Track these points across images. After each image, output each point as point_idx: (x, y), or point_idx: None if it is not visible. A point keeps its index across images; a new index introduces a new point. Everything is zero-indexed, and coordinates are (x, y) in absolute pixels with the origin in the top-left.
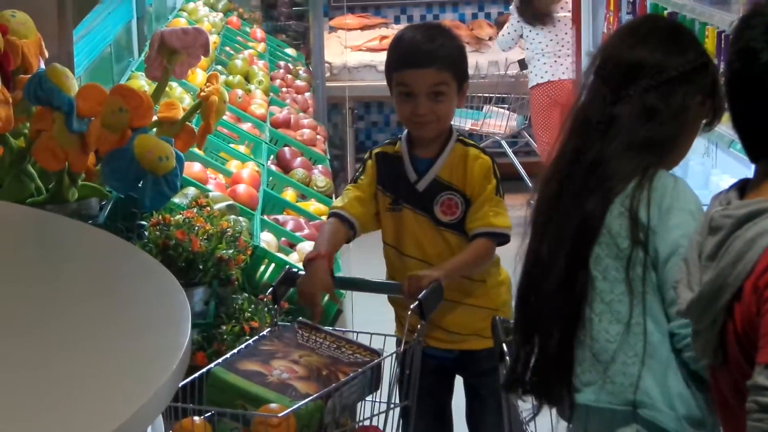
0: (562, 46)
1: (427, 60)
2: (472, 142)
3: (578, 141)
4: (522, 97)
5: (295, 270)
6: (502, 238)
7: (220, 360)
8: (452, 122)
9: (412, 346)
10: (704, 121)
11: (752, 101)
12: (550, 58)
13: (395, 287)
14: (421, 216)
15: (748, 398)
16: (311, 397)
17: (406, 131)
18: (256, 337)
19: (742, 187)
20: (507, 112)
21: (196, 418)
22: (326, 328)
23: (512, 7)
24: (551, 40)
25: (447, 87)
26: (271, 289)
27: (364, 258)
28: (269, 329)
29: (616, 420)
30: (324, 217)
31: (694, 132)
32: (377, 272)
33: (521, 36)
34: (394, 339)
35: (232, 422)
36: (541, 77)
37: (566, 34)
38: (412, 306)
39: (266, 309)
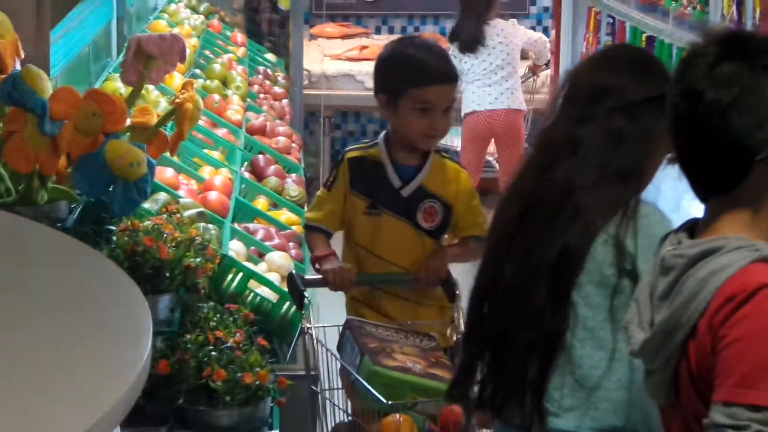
0: (495, 73)
1: (450, 76)
2: (446, 154)
3: (542, 161)
4: None
5: (301, 275)
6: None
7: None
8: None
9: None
10: (669, 155)
11: (698, 142)
12: (478, 87)
13: (411, 278)
14: (403, 222)
15: None
16: None
17: (383, 137)
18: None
19: (691, 228)
20: None
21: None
22: (376, 322)
23: (450, 45)
24: (484, 69)
25: (454, 102)
26: (299, 296)
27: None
28: (346, 329)
29: None
30: (296, 227)
31: (659, 160)
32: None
33: (461, 71)
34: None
35: (418, 413)
36: (468, 107)
37: (502, 60)
38: (446, 292)
39: (231, 318)
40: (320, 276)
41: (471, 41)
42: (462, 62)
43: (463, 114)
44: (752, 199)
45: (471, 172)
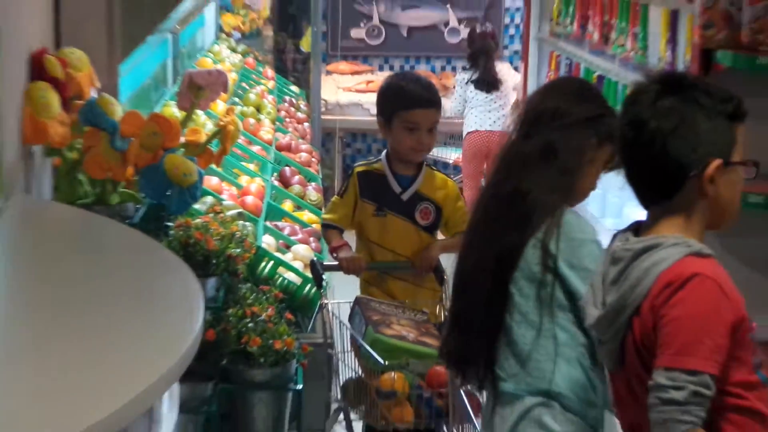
0: (493, 100)
1: (432, 102)
2: (436, 168)
3: (498, 175)
4: None
5: (321, 261)
6: None
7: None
8: (438, 154)
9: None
10: (609, 165)
11: (642, 162)
12: (480, 112)
13: (409, 265)
14: (404, 220)
15: (650, 395)
16: None
17: (385, 154)
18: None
19: (636, 228)
20: None
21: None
22: (380, 300)
23: (458, 76)
24: (485, 97)
25: (437, 124)
26: (319, 279)
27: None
28: (356, 305)
29: (533, 404)
30: (315, 225)
31: (593, 172)
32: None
33: (465, 99)
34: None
35: (410, 372)
36: (470, 127)
37: (500, 92)
38: (436, 277)
39: (264, 296)
40: (337, 262)
41: (492, 82)
42: (468, 92)
43: (465, 133)
44: (686, 206)
45: (472, 184)
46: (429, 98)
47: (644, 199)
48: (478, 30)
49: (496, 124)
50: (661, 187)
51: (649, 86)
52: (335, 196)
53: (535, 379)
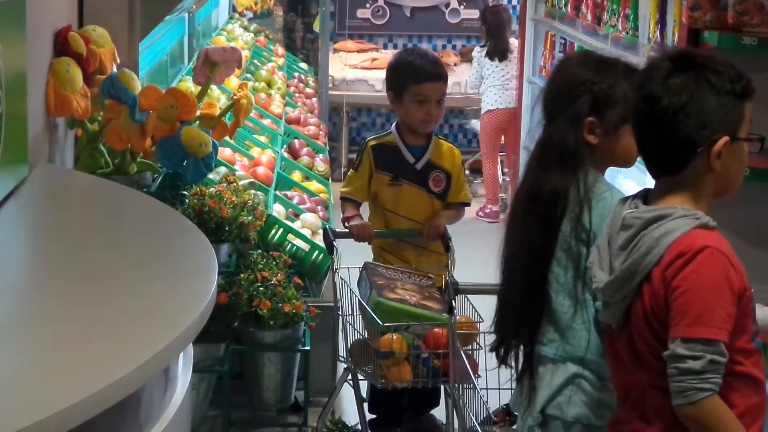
0: (510, 79)
1: (440, 76)
2: (443, 137)
3: (526, 168)
4: None
5: (333, 228)
6: (467, 206)
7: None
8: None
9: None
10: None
11: (653, 137)
12: (499, 89)
13: (416, 233)
14: (418, 188)
15: (669, 365)
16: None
17: (395, 126)
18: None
19: (645, 195)
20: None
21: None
22: (385, 265)
23: (475, 53)
24: (503, 75)
25: (445, 96)
26: (330, 245)
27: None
28: (364, 270)
29: (574, 372)
30: (322, 195)
31: (620, 135)
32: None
33: (482, 76)
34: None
35: (409, 334)
36: (491, 105)
37: (516, 71)
38: (442, 244)
39: (274, 262)
40: (347, 230)
41: (504, 51)
42: (485, 69)
43: (483, 111)
44: (694, 179)
45: (492, 158)
46: (437, 72)
47: (654, 170)
48: (490, 4)
49: (512, 103)
50: (670, 161)
51: (662, 63)
52: (351, 170)
53: (572, 347)
